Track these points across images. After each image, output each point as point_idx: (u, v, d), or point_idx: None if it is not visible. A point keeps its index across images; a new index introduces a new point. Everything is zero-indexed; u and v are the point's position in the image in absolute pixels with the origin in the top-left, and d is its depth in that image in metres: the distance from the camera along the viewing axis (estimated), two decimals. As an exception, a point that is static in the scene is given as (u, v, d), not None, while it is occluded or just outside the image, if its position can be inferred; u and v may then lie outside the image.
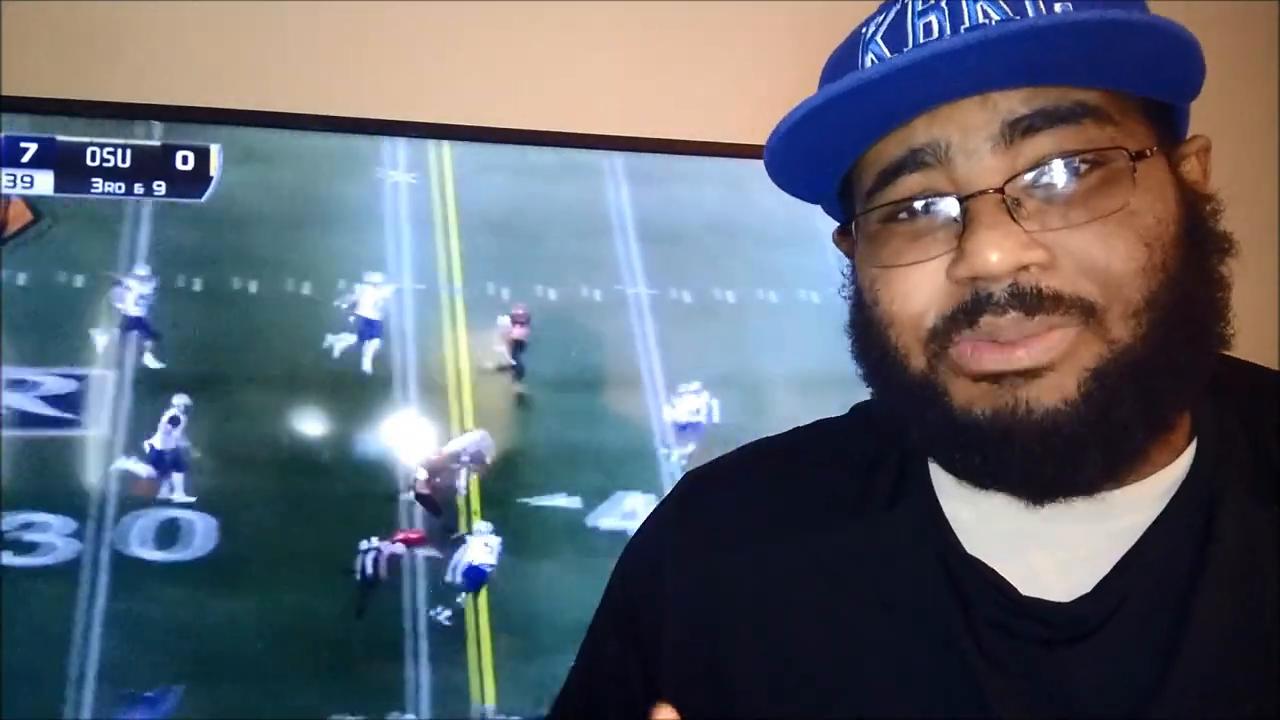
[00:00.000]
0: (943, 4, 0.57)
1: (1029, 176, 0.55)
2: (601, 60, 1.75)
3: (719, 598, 0.70)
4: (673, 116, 1.74)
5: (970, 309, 0.56)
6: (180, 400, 1.53)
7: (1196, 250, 0.58)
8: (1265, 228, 1.97)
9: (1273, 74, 2.09)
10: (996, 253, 0.54)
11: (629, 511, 1.61)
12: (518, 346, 1.66)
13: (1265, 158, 2.06)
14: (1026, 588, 0.60)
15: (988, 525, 0.63)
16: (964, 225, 0.56)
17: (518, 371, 1.66)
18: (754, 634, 0.68)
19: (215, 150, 1.57)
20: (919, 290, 0.59)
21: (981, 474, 0.60)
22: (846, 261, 0.69)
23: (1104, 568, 0.60)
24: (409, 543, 1.57)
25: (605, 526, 1.61)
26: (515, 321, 1.67)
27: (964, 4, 0.56)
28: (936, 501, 0.66)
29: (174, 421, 1.53)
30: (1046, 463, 0.55)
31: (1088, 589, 0.59)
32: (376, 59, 1.64)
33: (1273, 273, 1.93)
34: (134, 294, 1.55)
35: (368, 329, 1.62)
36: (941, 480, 0.66)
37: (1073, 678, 0.58)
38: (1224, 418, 0.64)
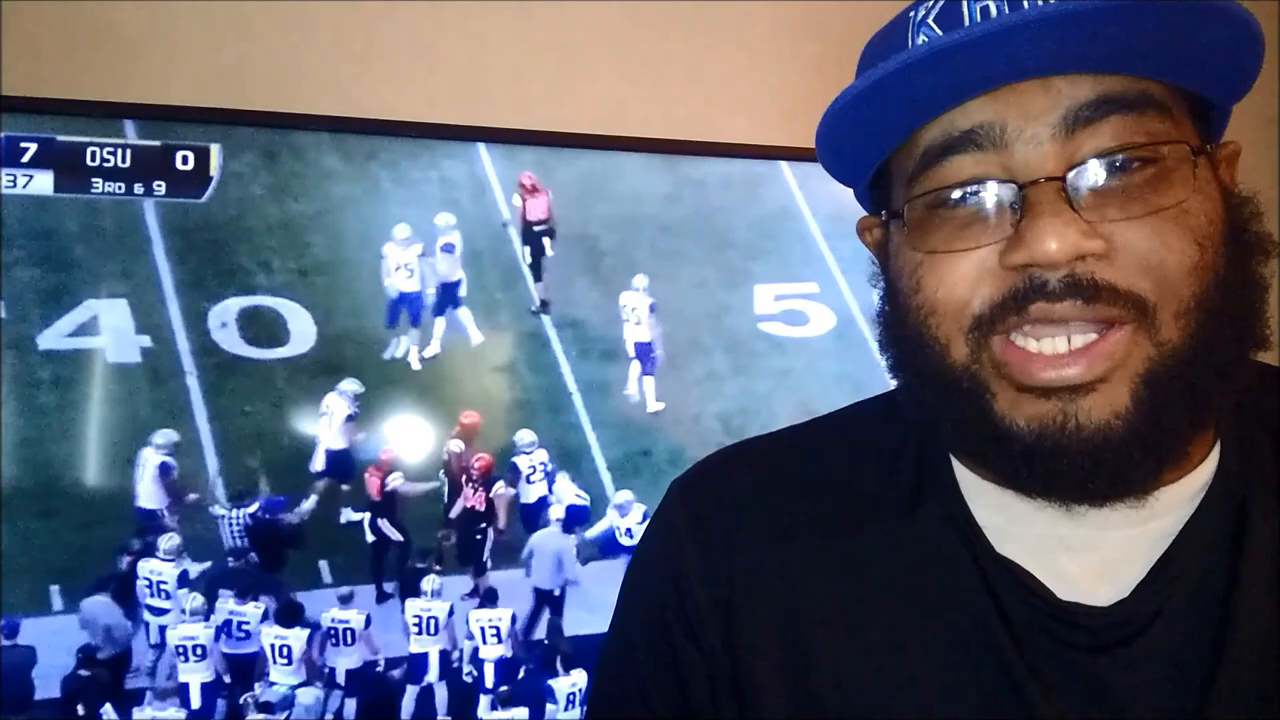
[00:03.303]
0: None
1: (1089, 167, 0.52)
2: (602, 61, 1.67)
3: (745, 605, 0.65)
4: (672, 117, 1.65)
5: (1022, 296, 0.53)
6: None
7: (1240, 251, 0.56)
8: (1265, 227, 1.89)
9: (1273, 74, 2.00)
10: (1057, 241, 0.51)
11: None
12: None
13: (1266, 157, 1.97)
14: (1061, 592, 0.58)
15: (1016, 528, 0.60)
16: (1022, 212, 0.53)
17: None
18: (784, 640, 0.63)
19: (215, 150, 1.49)
20: (966, 277, 0.55)
21: (1026, 484, 0.56)
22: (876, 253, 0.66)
23: (1137, 572, 0.57)
24: None
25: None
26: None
27: None
28: (964, 503, 0.62)
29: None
30: (1096, 475, 0.53)
31: (1123, 594, 0.57)
32: (377, 59, 1.58)
33: (1273, 273, 1.83)
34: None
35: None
36: (967, 480, 0.62)
37: (1117, 683, 0.55)
38: (1242, 418, 0.61)
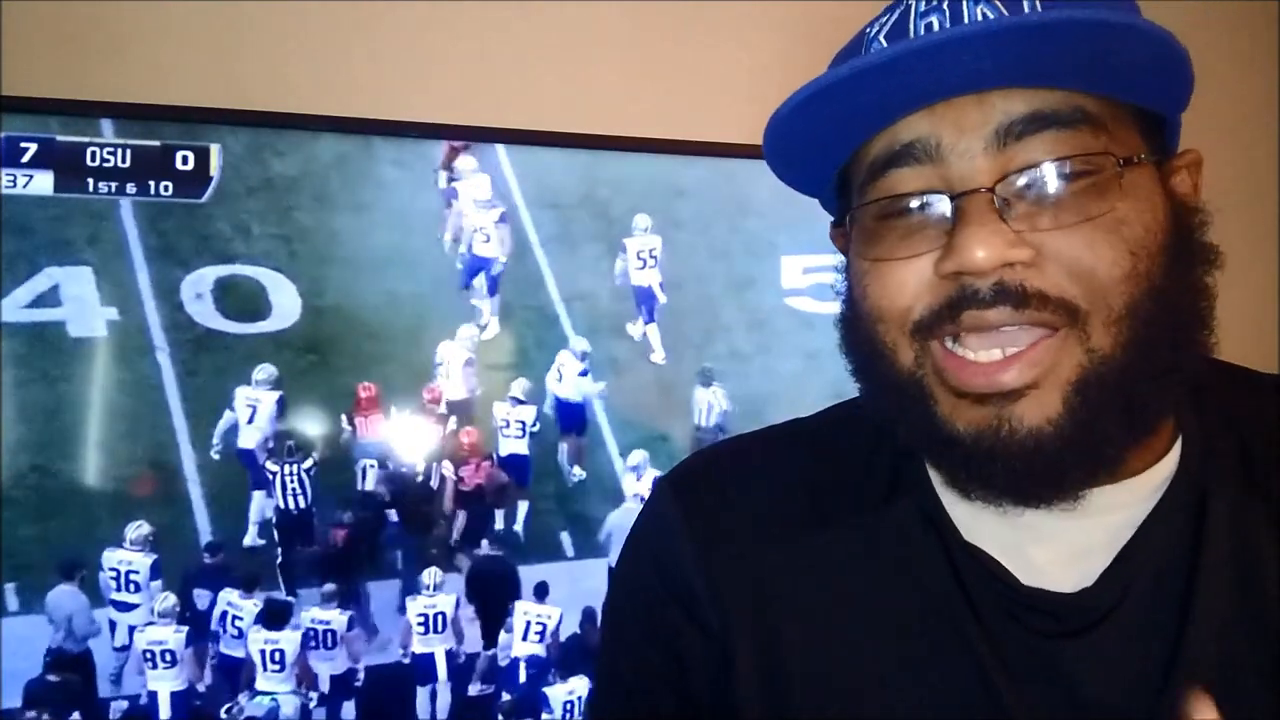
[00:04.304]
0: (944, 5, 0.55)
1: (1020, 178, 0.54)
2: (602, 60, 1.64)
3: (728, 596, 0.66)
4: (673, 117, 1.60)
5: (955, 304, 0.54)
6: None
7: (1182, 260, 0.56)
8: (1265, 228, 1.80)
9: (1273, 75, 1.95)
10: (983, 249, 0.52)
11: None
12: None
13: (1265, 157, 1.91)
14: (1027, 579, 0.59)
15: (984, 520, 0.60)
16: (954, 222, 0.54)
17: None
18: (760, 632, 0.64)
19: (215, 150, 1.45)
20: (907, 285, 0.56)
21: (965, 484, 0.57)
22: (841, 258, 0.67)
23: (1102, 561, 0.58)
24: None
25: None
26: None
27: (964, 6, 0.55)
28: (936, 496, 0.63)
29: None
30: (1029, 477, 0.54)
31: (1088, 582, 0.58)
32: (377, 59, 1.56)
33: (1273, 274, 1.72)
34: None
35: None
36: (937, 475, 0.63)
37: (1081, 668, 0.57)
38: (1206, 416, 0.62)
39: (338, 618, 1.28)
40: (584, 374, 1.42)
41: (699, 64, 1.67)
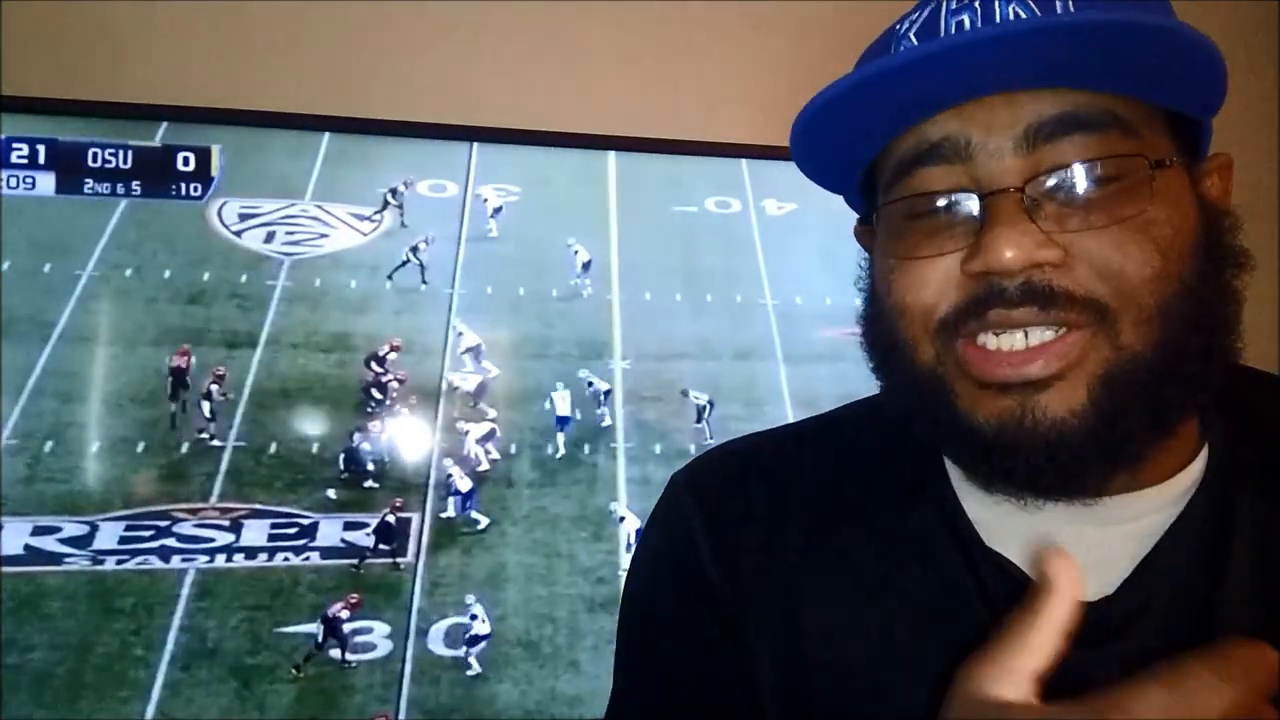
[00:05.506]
0: (975, 3, 0.55)
1: (1050, 179, 0.53)
2: (601, 60, 1.62)
3: (747, 594, 0.65)
4: (673, 116, 1.58)
5: (982, 302, 0.53)
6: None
7: (1212, 263, 0.56)
8: (1266, 229, 1.78)
9: (1273, 75, 1.93)
10: (1012, 249, 0.52)
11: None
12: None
13: (1266, 158, 1.89)
14: None
15: (1006, 524, 0.60)
16: (982, 222, 0.54)
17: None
18: (779, 630, 0.63)
19: (215, 150, 1.43)
20: (932, 283, 0.56)
21: (986, 477, 0.57)
22: (864, 255, 0.66)
23: (1124, 569, 0.58)
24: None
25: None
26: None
27: (996, 4, 0.54)
28: (956, 499, 0.62)
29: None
30: (1050, 472, 0.53)
31: (1109, 590, 0.57)
32: (377, 59, 1.56)
33: (1273, 276, 1.71)
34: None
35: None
36: (959, 477, 0.63)
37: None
38: (1233, 424, 0.62)
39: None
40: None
41: (699, 64, 1.65)
